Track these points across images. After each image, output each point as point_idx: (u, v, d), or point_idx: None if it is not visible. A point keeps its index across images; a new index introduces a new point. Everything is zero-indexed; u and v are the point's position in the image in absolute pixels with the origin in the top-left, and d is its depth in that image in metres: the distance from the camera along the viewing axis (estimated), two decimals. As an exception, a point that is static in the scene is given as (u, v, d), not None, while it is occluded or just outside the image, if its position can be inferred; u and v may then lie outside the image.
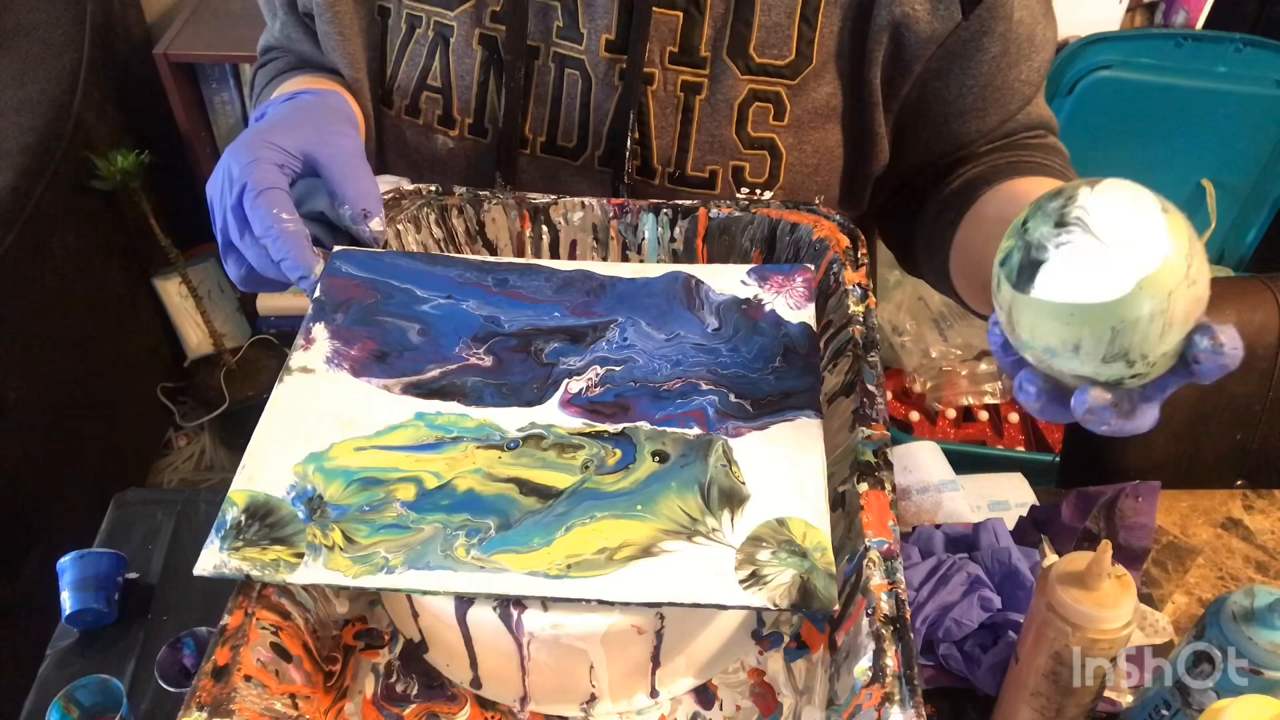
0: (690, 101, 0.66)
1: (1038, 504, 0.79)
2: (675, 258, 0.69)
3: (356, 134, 0.60)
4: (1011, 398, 1.57)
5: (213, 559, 0.51)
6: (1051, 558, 0.72)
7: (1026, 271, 0.39)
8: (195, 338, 1.81)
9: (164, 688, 0.72)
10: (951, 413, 1.56)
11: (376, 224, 0.59)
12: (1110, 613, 0.53)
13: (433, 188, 0.69)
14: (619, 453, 0.54)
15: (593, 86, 0.67)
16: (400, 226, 0.68)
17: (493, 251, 0.71)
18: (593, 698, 0.54)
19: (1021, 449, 1.53)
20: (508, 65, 0.66)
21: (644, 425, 0.56)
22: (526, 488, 0.53)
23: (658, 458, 0.54)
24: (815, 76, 0.66)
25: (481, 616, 0.50)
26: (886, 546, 0.49)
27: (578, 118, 0.68)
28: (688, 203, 0.67)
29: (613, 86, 0.67)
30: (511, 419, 0.56)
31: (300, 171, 0.57)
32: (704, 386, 0.58)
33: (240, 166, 0.50)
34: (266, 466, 0.54)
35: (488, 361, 0.59)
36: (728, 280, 0.64)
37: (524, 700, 0.54)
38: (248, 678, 0.48)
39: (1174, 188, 1.64)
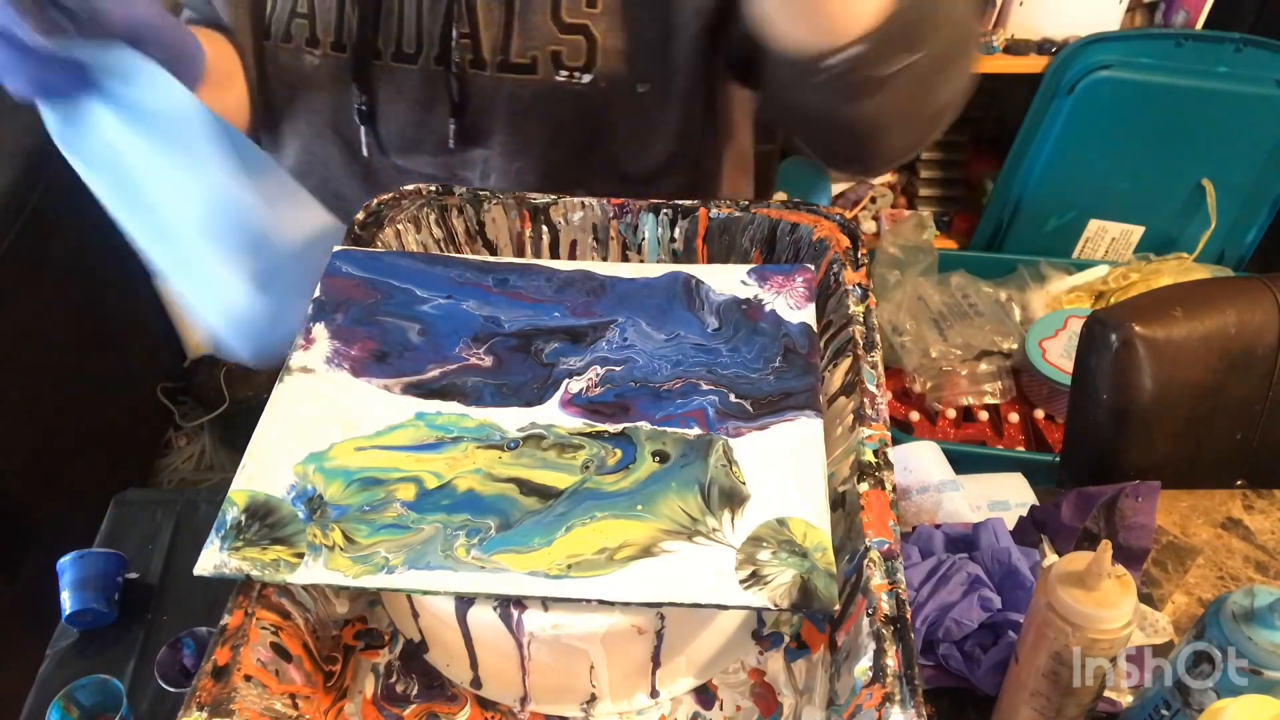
0: None
1: (1038, 504, 0.79)
2: (675, 258, 0.69)
3: (198, 40, 0.65)
4: (1012, 398, 1.57)
5: (213, 559, 0.51)
6: (1051, 558, 0.72)
7: None
8: (195, 338, 1.81)
9: (164, 688, 0.72)
10: (951, 413, 1.56)
11: None
12: (1110, 613, 0.53)
13: (433, 188, 0.69)
14: (619, 453, 0.54)
15: None
16: (400, 226, 0.68)
17: (493, 251, 0.71)
18: (593, 698, 0.54)
19: (1021, 449, 1.53)
20: None
21: (644, 425, 0.56)
22: (527, 488, 0.53)
23: (658, 458, 0.54)
24: None
25: (482, 616, 0.50)
26: (887, 546, 0.49)
27: (415, 23, 0.73)
28: (688, 203, 0.67)
29: None
30: (512, 419, 0.56)
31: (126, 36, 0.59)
32: (704, 386, 0.58)
33: None
34: (266, 466, 0.54)
35: (488, 361, 0.59)
36: (728, 280, 0.64)
37: (524, 700, 0.54)
38: (248, 678, 0.48)
39: (1174, 188, 1.64)
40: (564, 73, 0.71)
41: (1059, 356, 1.50)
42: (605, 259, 0.70)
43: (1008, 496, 0.85)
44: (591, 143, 0.75)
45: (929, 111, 0.63)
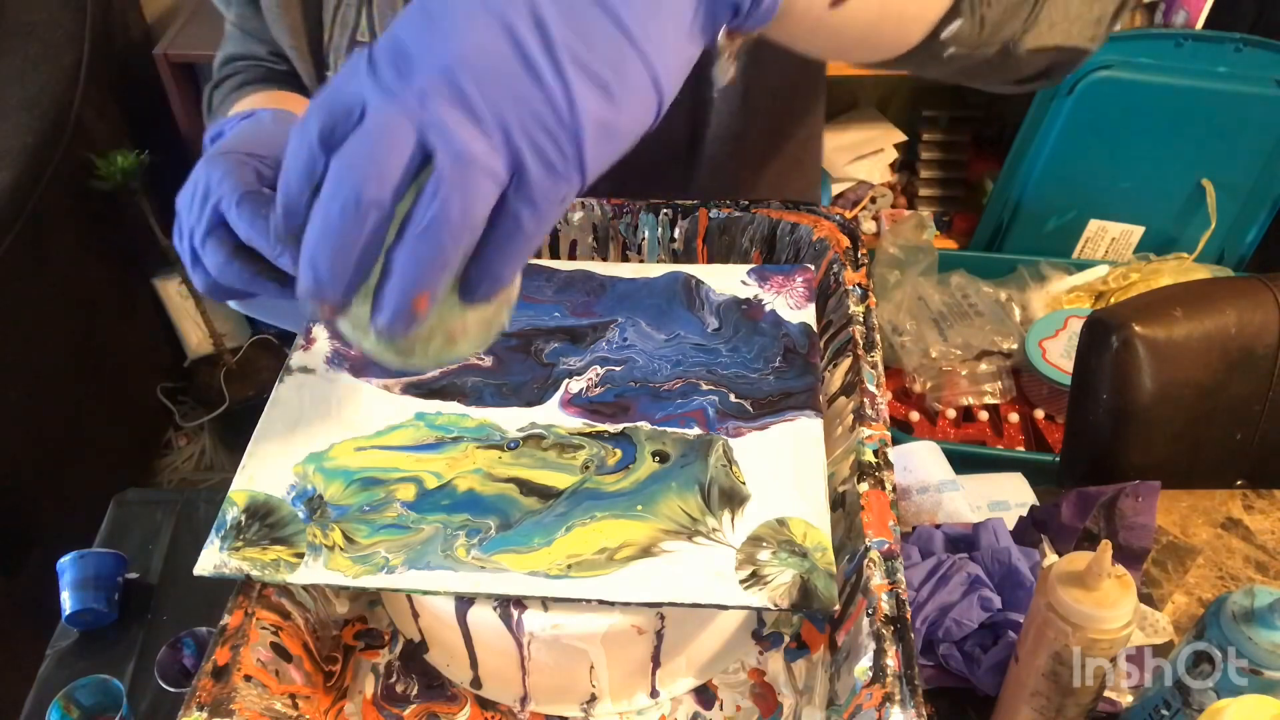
0: None
1: (1038, 504, 0.79)
2: (675, 258, 0.69)
3: None
4: (1011, 398, 1.57)
5: (213, 559, 0.51)
6: (1051, 558, 0.72)
7: None
8: (195, 338, 1.81)
9: (164, 688, 0.72)
10: (951, 413, 1.56)
11: None
12: (1110, 613, 0.53)
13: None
14: (619, 453, 0.54)
15: None
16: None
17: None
18: (593, 698, 0.54)
19: (1021, 449, 1.53)
20: None
21: (644, 425, 0.56)
22: (527, 488, 0.53)
23: (658, 458, 0.54)
24: None
25: (482, 616, 0.50)
26: (887, 546, 0.49)
27: None
28: (688, 203, 0.67)
29: None
30: (512, 419, 0.56)
31: (274, 181, 0.56)
32: (704, 386, 0.58)
33: (216, 175, 0.49)
34: (266, 466, 0.54)
35: (488, 361, 0.59)
36: (728, 280, 0.64)
37: (524, 700, 0.54)
38: (248, 678, 0.48)
39: (1174, 188, 1.64)
40: None
41: (1059, 356, 1.50)
42: (605, 259, 0.70)
43: (1008, 496, 0.85)
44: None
45: None
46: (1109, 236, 1.73)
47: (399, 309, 0.35)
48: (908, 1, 0.44)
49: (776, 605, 0.47)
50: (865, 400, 0.56)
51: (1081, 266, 1.67)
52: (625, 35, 0.33)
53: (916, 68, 0.49)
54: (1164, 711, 0.57)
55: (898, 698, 0.44)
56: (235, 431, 1.82)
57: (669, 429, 0.55)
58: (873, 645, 0.46)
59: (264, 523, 0.52)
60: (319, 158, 0.35)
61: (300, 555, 0.50)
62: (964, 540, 0.72)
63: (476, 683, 0.55)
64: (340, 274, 0.35)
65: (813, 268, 0.65)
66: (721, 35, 0.37)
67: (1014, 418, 1.56)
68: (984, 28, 0.46)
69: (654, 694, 0.55)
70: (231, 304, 0.53)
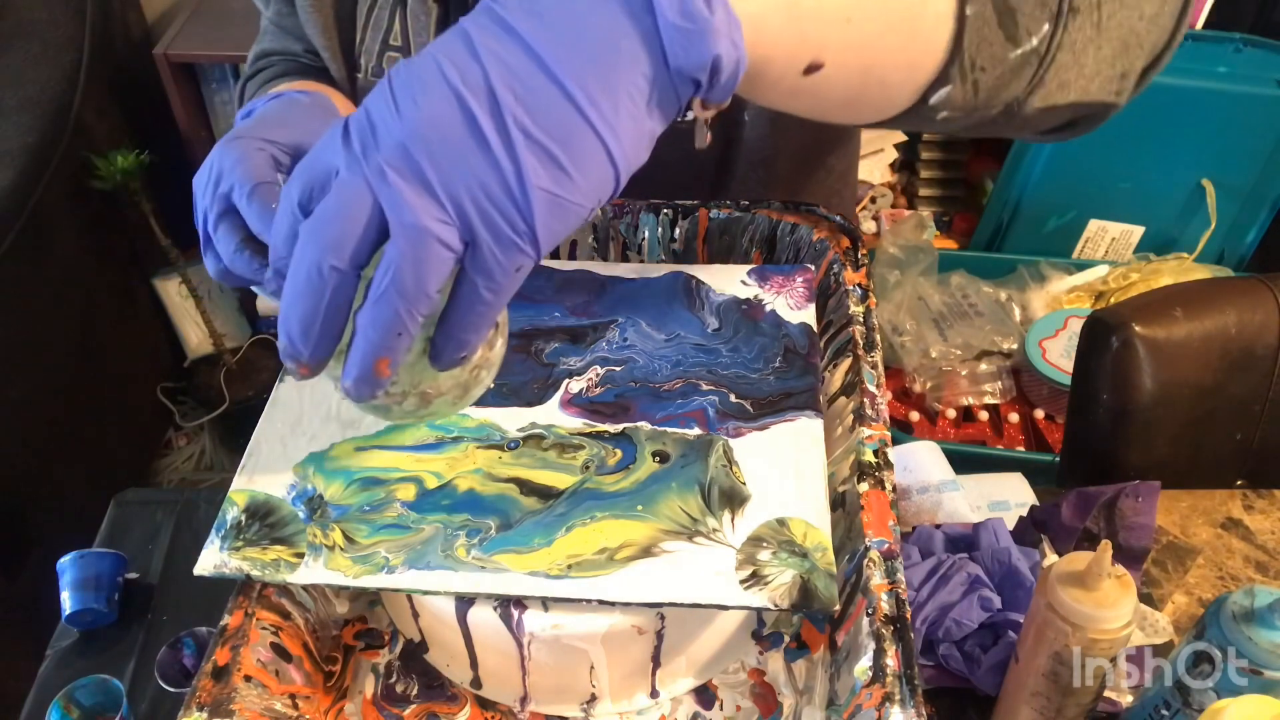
0: None
1: (1038, 504, 0.79)
2: (675, 258, 0.69)
3: None
4: (1011, 398, 1.57)
5: (213, 559, 0.51)
6: (1051, 558, 0.72)
7: None
8: (195, 338, 1.81)
9: (164, 688, 0.72)
10: (951, 413, 1.56)
11: None
12: (1110, 613, 0.53)
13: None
14: (619, 453, 0.54)
15: None
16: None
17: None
18: (593, 698, 0.54)
19: (1021, 449, 1.53)
20: (453, 21, 0.68)
21: (644, 425, 0.56)
22: (527, 488, 0.53)
23: (658, 458, 0.54)
24: None
25: (482, 616, 0.50)
26: (886, 546, 0.49)
27: None
28: (688, 203, 0.67)
29: None
30: (512, 419, 0.56)
31: (291, 167, 0.56)
32: (704, 387, 0.58)
33: (230, 161, 0.49)
34: (267, 466, 0.54)
35: (488, 361, 0.59)
36: (728, 280, 0.64)
37: (524, 700, 0.54)
38: (248, 678, 0.48)
39: (1174, 188, 1.64)
40: None
41: (1059, 356, 1.50)
42: (605, 259, 0.70)
43: (1008, 496, 0.85)
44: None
45: (1124, 33, 0.45)
46: (1109, 236, 1.73)
47: (361, 372, 0.36)
48: (891, 67, 0.42)
49: (776, 605, 0.47)
50: (865, 400, 0.56)
51: (1081, 266, 1.67)
52: (577, 109, 0.33)
53: (913, 128, 0.48)
54: (1164, 711, 0.57)
55: (897, 697, 0.44)
56: (235, 431, 1.82)
57: (669, 429, 0.55)
58: (872, 645, 0.46)
59: (264, 522, 0.52)
60: (299, 221, 0.36)
61: (300, 555, 0.50)
62: (964, 540, 0.72)
63: (476, 683, 0.55)
64: (308, 336, 0.36)
65: (813, 268, 0.65)
66: (696, 104, 0.37)
67: (1014, 418, 1.56)
68: (978, 92, 0.43)
69: (654, 694, 0.55)
70: (254, 289, 0.53)
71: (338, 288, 0.35)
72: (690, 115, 0.38)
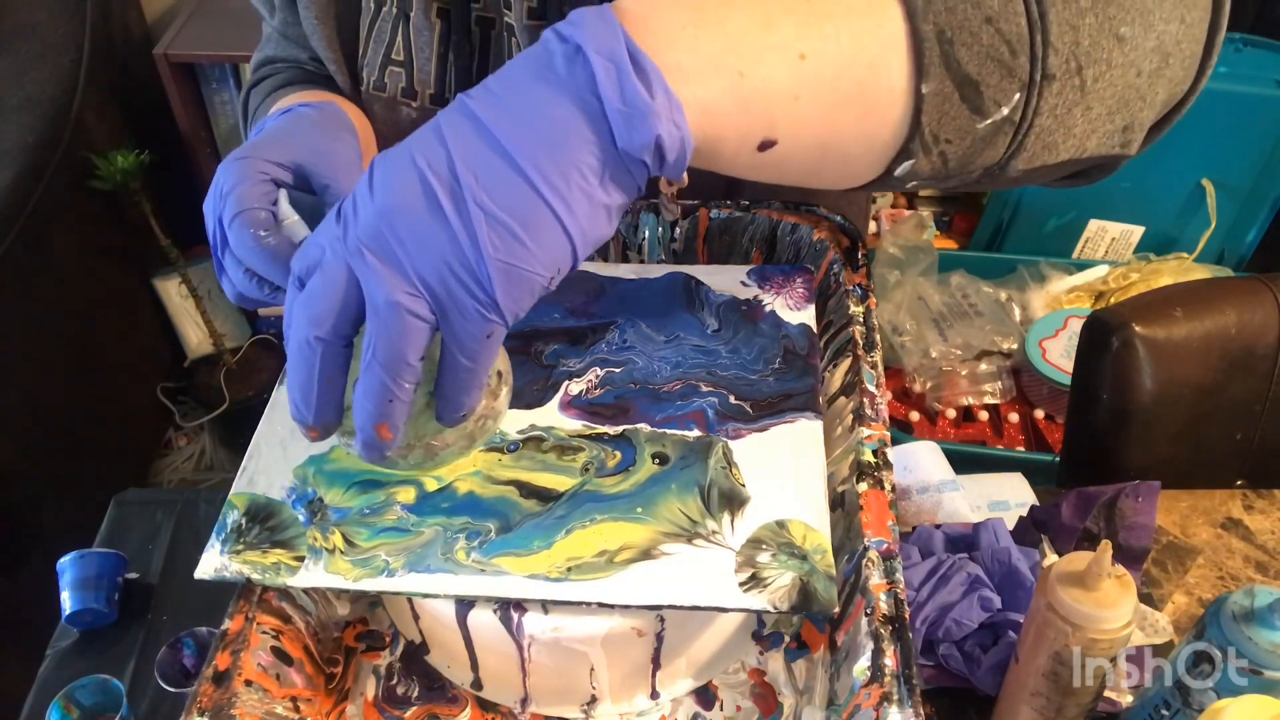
0: None
1: (1038, 504, 0.79)
2: (675, 258, 0.69)
3: (355, 141, 0.61)
4: (1012, 398, 1.57)
5: (213, 562, 0.51)
6: (1051, 558, 0.72)
7: None
8: (195, 338, 1.81)
9: (164, 688, 0.72)
10: (951, 413, 1.56)
11: None
12: (1110, 613, 0.53)
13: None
14: (619, 455, 0.54)
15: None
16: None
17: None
18: (593, 699, 0.54)
19: (1021, 449, 1.53)
20: (455, 38, 0.68)
21: (644, 427, 0.56)
22: (526, 490, 0.53)
23: (658, 460, 0.54)
24: None
25: (482, 619, 0.50)
26: (886, 546, 0.49)
27: None
28: (688, 203, 0.67)
29: None
30: (511, 421, 0.56)
31: (294, 184, 0.56)
32: (704, 388, 0.58)
33: (230, 184, 0.50)
34: (267, 469, 0.54)
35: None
36: (727, 281, 0.64)
37: (525, 702, 0.54)
38: (249, 682, 0.48)
39: (1174, 188, 1.64)
40: None
41: (1059, 356, 1.50)
42: (605, 259, 0.70)
43: (1008, 496, 0.85)
44: None
45: (1132, 76, 0.43)
46: (1109, 236, 1.73)
47: (365, 439, 0.39)
48: (850, 141, 0.41)
49: (776, 607, 0.47)
50: (865, 400, 0.56)
51: (1081, 266, 1.67)
52: (532, 187, 0.35)
53: (892, 191, 0.48)
54: (1164, 711, 0.57)
55: (895, 697, 0.44)
56: (235, 432, 1.82)
57: (669, 431, 0.55)
58: (871, 645, 0.46)
59: (264, 526, 0.52)
60: (298, 295, 0.39)
61: (300, 558, 0.50)
62: (964, 540, 0.72)
63: (477, 684, 0.55)
64: (309, 402, 0.40)
65: (813, 269, 0.65)
66: (661, 181, 0.38)
67: (1014, 418, 1.56)
68: (947, 163, 0.42)
69: (654, 695, 0.55)
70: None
71: (325, 357, 0.38)
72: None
